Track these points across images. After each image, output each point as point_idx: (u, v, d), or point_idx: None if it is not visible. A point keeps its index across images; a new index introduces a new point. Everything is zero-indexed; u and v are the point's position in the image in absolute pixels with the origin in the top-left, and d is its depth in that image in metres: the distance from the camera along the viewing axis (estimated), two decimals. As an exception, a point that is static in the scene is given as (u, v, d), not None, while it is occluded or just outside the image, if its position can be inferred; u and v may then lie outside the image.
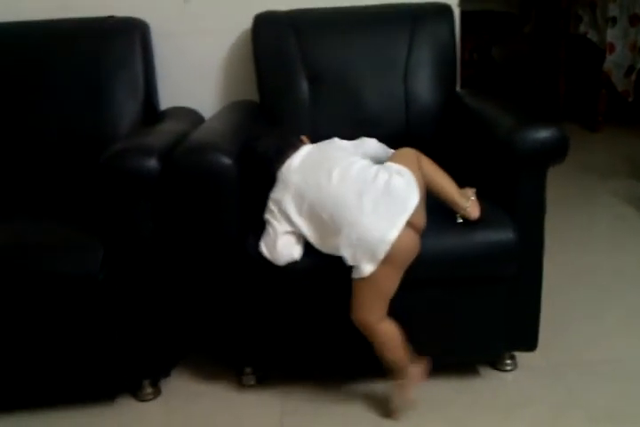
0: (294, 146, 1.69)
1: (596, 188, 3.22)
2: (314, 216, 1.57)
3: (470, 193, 1.68)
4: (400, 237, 1.50)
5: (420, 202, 1.55)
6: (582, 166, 3.34)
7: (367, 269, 1.51)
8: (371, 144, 1.79)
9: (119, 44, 2.07)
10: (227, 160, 1.61)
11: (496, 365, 1.87)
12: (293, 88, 2.10)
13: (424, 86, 2.12)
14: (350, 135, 1.90)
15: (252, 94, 2.18)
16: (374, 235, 1.50)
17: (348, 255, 1.53)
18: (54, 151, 2.00)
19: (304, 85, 2.10)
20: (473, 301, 1.72)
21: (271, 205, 1.62)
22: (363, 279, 1.54)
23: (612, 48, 3.75)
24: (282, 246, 1.58)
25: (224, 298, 1.73)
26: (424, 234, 1.59)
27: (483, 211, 1.66)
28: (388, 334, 1.60)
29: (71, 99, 2.02)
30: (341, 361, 1.80)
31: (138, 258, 1.68)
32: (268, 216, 1.62)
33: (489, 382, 1.83)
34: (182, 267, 1.81)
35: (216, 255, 1.69)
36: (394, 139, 1.96)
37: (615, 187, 3.17)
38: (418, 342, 1.73)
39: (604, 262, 2.49)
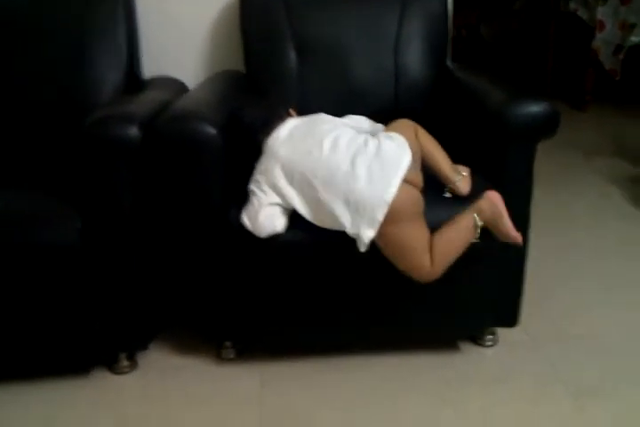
0: (281, 117, 1.64)
1: (580, 166, 3.19)
2: (306, 187, 1.52)
3: (463, 169, 1.65)
4: (398, 194, 1.47)
5: (415, 162, 1.53)
6: (568, 144, 3.30)
7: (368, 234, 1.48)
8: (358, 121, 1.74)
9: (102, 10, 1.97)
10: (211, 129, 1.55)
11: (476, 340, 1.85)
12: (281, 59, 2.03)
13: (414, 59, 2.05)
14: (338, 108, 1.86)
15: (238, 65, 2.11)
16: (371, 198, 1.47)
17: (347, 222, 1.48)
18: (33, 119, 1.91)
19: (292, 57, 2.03)
20: (456, 276, 1.66)
21: (258, 176, 1.57)
22: (386, 245, 1.50)
23: (601, 26, 3.69)
24: (264, 218, 1.53)
25: (204, 270, 1.68)
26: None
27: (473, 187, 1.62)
28: (447, 245, 1.54)
29: (51, 65, 1.94)
30: (321, 334, 1.77)
31: (117, 228, 1.62)
32: (253, 187, 1.57)
33: (469, 358, 1.80)
34: (163, 237, 1.75)
35: (198, 226, 1.63)
36: (383, 112, 1.93)
37: (600, 165, 3.15)
38: (401, 317, 1.72)
39: (585, 239, 2.46)
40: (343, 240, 1.55)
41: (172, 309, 1.88)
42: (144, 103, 1.75)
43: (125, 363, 1.76)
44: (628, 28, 3.67)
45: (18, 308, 1.62)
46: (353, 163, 1.49)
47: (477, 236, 1.56)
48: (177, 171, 1.61)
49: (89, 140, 1.55)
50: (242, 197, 1.59)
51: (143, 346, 1.80)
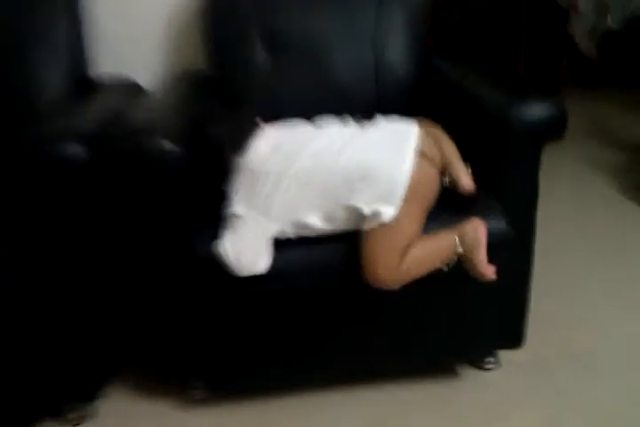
0: (252, 132, 1.40)
1: (564, 154, 2.98)
2: (309, 185, 1.30)
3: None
4: (414, 168, 1.29)
5: (428, 136, 1.38)
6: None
7: (388, 212, 1.27)
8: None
9: (41, 7, 1.68)
10: (173, 146, 1.30)
11: (476, 362, 1.64)
12: (249, 57, 1.78)
13: (396, 52, 1.82)
14: (314, 109, 1.64)
15: (201, 63, 1.86)
16: (387, 171, 1.28)
17: (364, 205, 1.27)
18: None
19: (262, 54, 1.78)
20: (457, 298, 1.48)
21: (242, 199, 1.33)
22: (379, 227, 1.28)
23: (576, 8, 3.50)
24: (252, 253, 1.29)
25: (167, 304, 1.43)
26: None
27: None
28: (421, 258, 1.32)
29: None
30: (305, 369, 1.54)
31: (58, 258, 1.36)
32: (238, 211, 1.32)
33: (470, 384, 1.60)
34: (117, 269, 1.49)
35: (159, 256, 1.39)
36: (363, 112, 1.67)
37: (583, 153, 2.96)
38: (399, 344, 1.51)
39: (576, 236, 2.27)
40: (324, 269, 1.36)
41: (129, 346, 1.61)
42: (92, 113, 1.49)
43: (76, 414, 1.49)
44: (602, 10, 3.49)
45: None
46: (355, 141, 1.33)
47: (452, 261, 1.35)
48: (133, 193, 1.36)
49: (26, 158, 1.29)
50: (208, 223, 1.35)
51: (96, 395, 1.52)
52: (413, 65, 1.82)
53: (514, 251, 1.44)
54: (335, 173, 1.29)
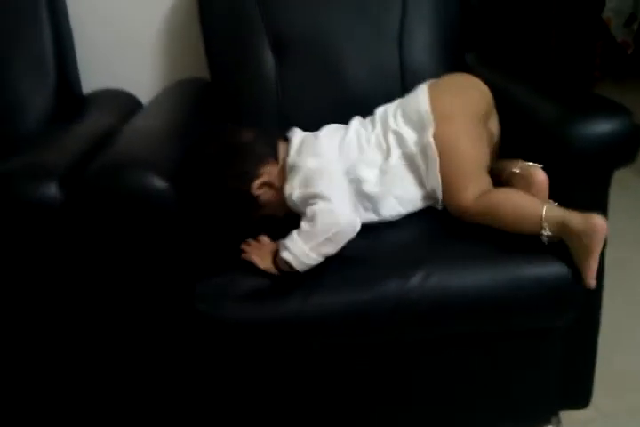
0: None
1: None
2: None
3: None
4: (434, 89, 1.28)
5: None
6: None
7: (427, 135, 1.18)
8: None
9: (18, 5, 1.44)
10: (160, 182, 1.04)
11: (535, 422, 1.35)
12: (254, 61, 1.50)
13: (424, 54, 1.52)
14: (329, 119, 1.38)
15: (200, 70, 1.59)
16: (407, 107, 1.26)
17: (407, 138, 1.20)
18: None
19: (268, 57, 1.50)
20: (511, 358, 1.19)
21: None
22: (442, 158, 1.16)
23: (613, -6, 3.17)
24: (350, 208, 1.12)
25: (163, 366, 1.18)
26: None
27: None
28: (500, 203, 1.11)
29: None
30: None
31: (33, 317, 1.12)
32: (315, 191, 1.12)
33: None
34: (99, 325, 1.23)
35: (147, 315, 1.13)
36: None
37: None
38: (447, 413, 1.23)
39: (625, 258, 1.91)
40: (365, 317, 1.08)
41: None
42: (71, 140, 1.23)
43: None
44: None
45: None
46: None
47: (550, 237, 1.08)
48: (111, 240, 1.10)
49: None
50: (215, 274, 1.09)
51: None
52: (445, 67, 1.52)
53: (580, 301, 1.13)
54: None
